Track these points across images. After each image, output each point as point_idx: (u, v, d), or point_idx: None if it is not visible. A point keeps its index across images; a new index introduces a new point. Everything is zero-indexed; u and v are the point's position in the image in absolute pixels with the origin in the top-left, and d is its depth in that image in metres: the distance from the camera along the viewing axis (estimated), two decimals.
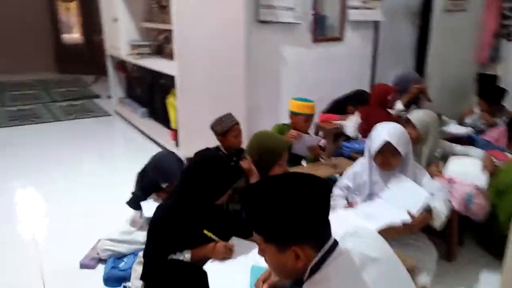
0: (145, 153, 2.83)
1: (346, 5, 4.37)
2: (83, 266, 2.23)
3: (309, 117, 2.82)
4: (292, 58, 4.21)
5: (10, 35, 7.94)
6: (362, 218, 1.92)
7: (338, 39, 4.46)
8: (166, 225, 1.62)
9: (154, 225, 1.68)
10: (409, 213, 1.89)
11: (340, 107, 3.83)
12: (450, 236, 2.27)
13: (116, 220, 2.45)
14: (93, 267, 2.22)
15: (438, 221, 1.93)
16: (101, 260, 2.25)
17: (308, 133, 2.91)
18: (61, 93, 6.61)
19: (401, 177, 2.07)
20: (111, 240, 2.24)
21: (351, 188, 2.17)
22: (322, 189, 1.10)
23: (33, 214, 2.93)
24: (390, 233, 1.85)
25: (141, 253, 1.88)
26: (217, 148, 2.43)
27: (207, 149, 1.73)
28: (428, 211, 1.92)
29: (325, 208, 1.10)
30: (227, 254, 1.68)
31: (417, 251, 1.97)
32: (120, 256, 2.20)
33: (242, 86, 3.70)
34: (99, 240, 2.31)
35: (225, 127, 2.46)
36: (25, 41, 8.10)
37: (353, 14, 4.44)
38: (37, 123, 5.06)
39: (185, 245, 1.65)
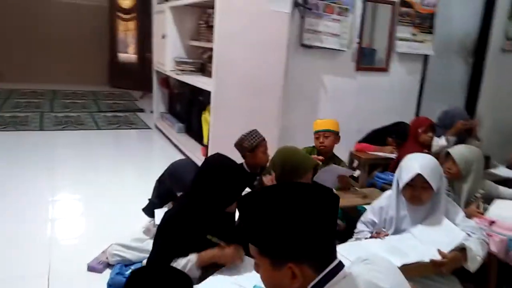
0: None
1: (394, 36, 4.26)
2: (90, 268, 2.18)
3: (327, 133, 2.70)
4: (333, 84, 4.12)
5: (71, 48, 8.45)
6: (386, 251, 1.74)
7: (383, 69, 4.33)
8: (171, 229, 1.54)
9: (159, 230, 1.60)
10: (440, 252, 1.69)
11: (378, 137, 3.65)
12: (487, 283, 2.01)
13: (134, 228, 2.41)
14: (100, 271, 2.17)
15: (473, 264, 1.71)
16: (109, 265, 2.19)
17: (340, 161, 2.77)
18: (108, 105, 6.86)
19: (433, 213, 1.88)
20: (122, 245, 2.19)
21: (377, 224, 2.00)
22: (329, 202, 0.98)
23: (58, 213, 2.95)
24: (415, 271, 1.66)
25: (145, 261, 1.80)
26: (241, 165, 2.35)
27: (219, 154, 1.65)
28: (461, 250, 1.71)
29: (330, 223, 0.97)
30: (236, 259, 1.56)
31: None
32: (128, 263, 2.13)
33: (277, 108, 3.64)
34: (111, 245, 2.26)
35: (254, 143, 2.39)
36: (84, 55, 8.57)
37: (401, 46, 4.31)
38: (80, 130, 5.24)
39: (190, 250, 1.55)
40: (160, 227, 1.62)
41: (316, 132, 2.75)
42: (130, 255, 2.15)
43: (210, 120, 3.57)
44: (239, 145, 2.49)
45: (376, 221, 2.00)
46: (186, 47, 4.73)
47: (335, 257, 0.98)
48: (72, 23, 8.44)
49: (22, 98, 6.75)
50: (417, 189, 1.83)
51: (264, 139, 2.41)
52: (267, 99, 3.60)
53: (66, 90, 7.80)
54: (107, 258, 2.19)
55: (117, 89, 8.48)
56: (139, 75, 8.42)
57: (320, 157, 2.60)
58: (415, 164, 1.84)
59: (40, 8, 8.19)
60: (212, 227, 1.58)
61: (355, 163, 3.69)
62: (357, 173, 3.58)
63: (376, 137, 3.71)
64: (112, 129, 5.44)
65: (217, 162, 1.64)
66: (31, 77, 7.99)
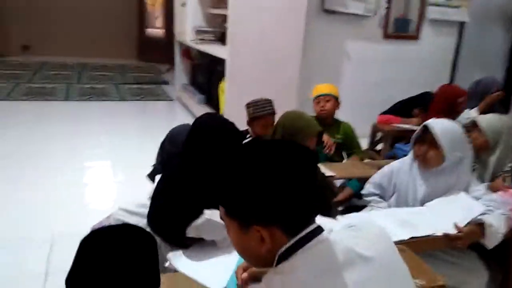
0: None
1: (426, 1, 3.95)
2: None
3: (327, 97, 2.53)
4: (357, 53, 3.90)
5: (101, 23, 8.50)
6: (396, 224, 1.61)
7: (413, 37, 4.05)
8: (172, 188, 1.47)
9: (159, 190, 1.55)
10: (456, 226, 1.54)
11: (404, 109, 3.43)
12: (508, 261, 1.84)
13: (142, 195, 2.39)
14: None
15: (492, 240, 1.55)
16: None
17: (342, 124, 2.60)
18: (134, 77, 6.89)
19: (455, 188, 1.72)
20: (126, 210, 2.15)
21: (384, 188, 1.85)
22: (303, 161, 0.86)
23: (85, 179, 3.03)
24: (425, 245, 1.53)
25: None
26: (246, 131, 2.24)
27: (208, 114, 1.56)
28: (479, 225, 1.55)
29: (305, 185, 0.85)
30: None
31: (461, 271, 1.61)
32: None
33: (296, 77, 3.49)
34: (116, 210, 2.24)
35: (256, 113, 2.24)
36: (113, 29, 8.61)
37: (433, 12, 4.00)
38: (103, 101, 5.29)
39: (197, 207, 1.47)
40: (159, 186, 1.56)
41: (316, 97, 2.59)
42: (132, 220, 2.10)
43: (225, 90, 3.47)
44: (246, 107, 2.36)
45: (384, 184, 1.86)
46: (206, 16, 4.61)
47: (312, 221, 0.87)
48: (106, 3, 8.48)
49: (51, 71, 6.88)
50: (424, 146, 1.67)
51: (270, 114, 2.23)
52: (285, 68, 3.45)
53: (95, 63, 7.90)
54: (110, 223, 2.17)
55: (145, 63, 8.51)
56: (166, 48, 8.40)
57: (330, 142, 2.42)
58: (430, 121, 1.68)
59: None
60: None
61: (378, 136, 3.50)
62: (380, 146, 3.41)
63: (401, 108, 3.48)
64: (135, 100, 5.46)
65: (203, 122, 1.55)
66: (62, 51, 8.13)
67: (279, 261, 0.84)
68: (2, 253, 2.12)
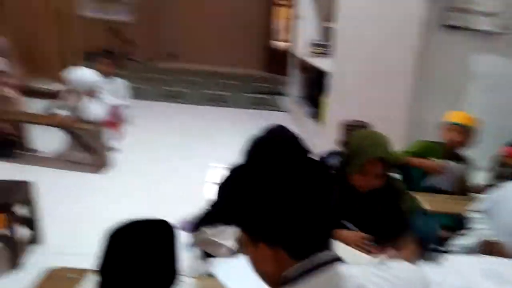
0: None
1: None
2: (179, 226, 2.33)
3: (465, 128, 2.30)
4: (485, 73, 3.47)
5: (230, 33, 9.13)
6: (490, 278, 1.38)
7: None
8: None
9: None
10: None
11: None
12: None
13: None
14: (189, 231, 2.30)
15: None
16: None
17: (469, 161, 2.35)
18: (254, 87, 7.23)
19: None
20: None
21: (487, 213, 1.65)
22: (317, 182, 0.82)
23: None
24: None
25: None
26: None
27: (276, 127, 1.58)
28: None
29: (317, 207, 0.81)
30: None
31: None
32: None
33: (407, 97, 3.27)
34: None
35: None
36: (242, 40, 9.17)
37: None
38: (222, 107, 5.72)
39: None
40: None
41: (451, 124, 2.37)
42: None
43: (328, 105, 3.43)
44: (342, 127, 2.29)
45: (488, 208, 1.70)
46: (321, 29, 4.61)
47: (325, 247, 0.83)
48: (234, 11, 9.10)
49: (188, 76, 7.64)
50: None
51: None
52: (395, 86, 3.27)
53: (226, 72, 8.54)
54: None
55: (269, 74, 8.86)
56: (287, 61, 8.64)
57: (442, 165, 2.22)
58: None
59: None
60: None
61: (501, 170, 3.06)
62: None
63: None
64: (251, 109, 5.78)
65: (267, 136, 1.57)
66: (201, 59, 8.95)
67: (283, 284, 0.82)
68: None
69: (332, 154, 2.25)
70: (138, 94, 4.92)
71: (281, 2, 8.86)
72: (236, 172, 1.60)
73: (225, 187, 1.63)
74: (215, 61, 8.89)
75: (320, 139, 3.91)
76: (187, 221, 2.34)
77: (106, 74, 3.82)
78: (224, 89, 6.84)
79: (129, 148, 3.85)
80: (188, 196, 2.98)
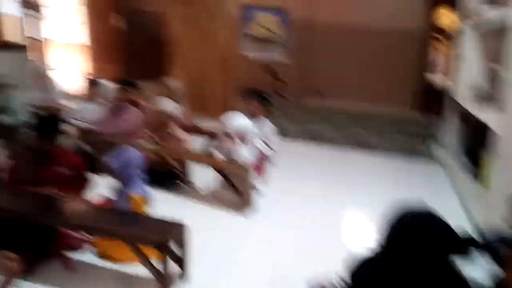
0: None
1: None
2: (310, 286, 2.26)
3: None
4: None
5: (382, 72, 8.69)
6: None
7: None
8: None
9: None
10: None
11: None
12: None
13: None
14: None
15: None
16: None
17: None
18: (402, 128, 6.74)
19: None
20: None
21: None
22: None
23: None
24: None
25: None
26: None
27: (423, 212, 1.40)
28: None
29: None
30: None
31: None
32: None
33: None
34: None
35: None
36: (392, 75, 8.61)
37: None
38: (366, 150, 5.68)
39: None
40: None
41: None
42: None
43: (493, 167, 2.95)
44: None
45: None
46: (486, 71, 4.06)
47: None
48: (387, 48, 8.65)
49: (331, 115, 7.56)
50: None
51: None
52: None
53: (370, 110, 8.20)
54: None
55: (420, 113, 8.16)
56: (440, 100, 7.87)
57: None
58: None
59: (359, 30, 8.78)
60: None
61: None
62: None
63: None
64: (398, 154, 5.43)
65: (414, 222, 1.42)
66: (344, 97, 8.78)
67: None
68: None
69: (498, 235, 1.90)
70: (282, 132, 5.09)
71: (438, 37, 8.19)
72: (372, 265, 1.48)
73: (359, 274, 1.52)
74: (362, 98, 8.56)
75: (481, 205, 3.39)
76: (320, 284, 2.26)
77: (255, 116, 4.11)
78: (369, 129, 6.59)
79: (272, 193, 3.99)
80: (323, 253, 3.02)
